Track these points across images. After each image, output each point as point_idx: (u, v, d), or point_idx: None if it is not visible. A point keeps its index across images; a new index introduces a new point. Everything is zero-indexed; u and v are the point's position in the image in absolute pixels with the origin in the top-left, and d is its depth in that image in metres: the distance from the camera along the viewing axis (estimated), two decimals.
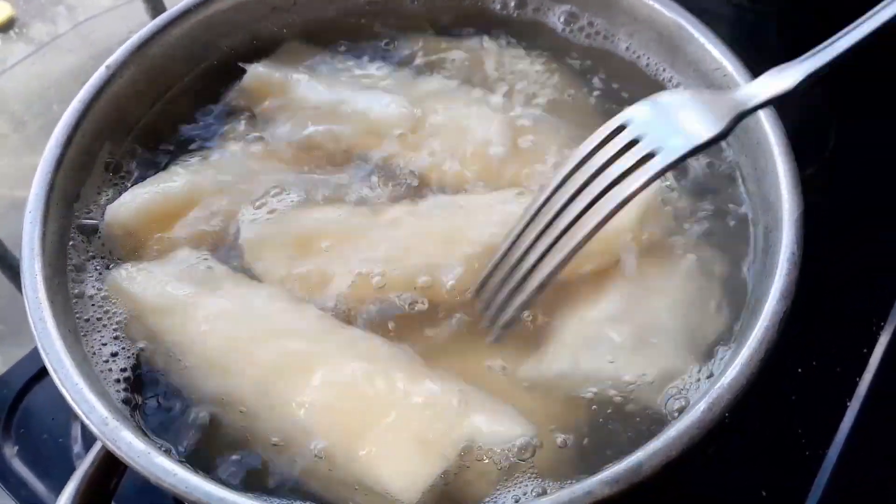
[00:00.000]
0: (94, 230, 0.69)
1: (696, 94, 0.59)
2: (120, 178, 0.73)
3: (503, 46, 0.82)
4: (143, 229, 0.69)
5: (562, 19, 0.82)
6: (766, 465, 0.74)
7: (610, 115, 0.59)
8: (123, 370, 0.62)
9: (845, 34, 0.56)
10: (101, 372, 0.61)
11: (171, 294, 0.64)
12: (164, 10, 0.82)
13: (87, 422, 0.54)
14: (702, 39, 0.72)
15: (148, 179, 0.72)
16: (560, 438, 0.59)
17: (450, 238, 0.67)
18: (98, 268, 0.67)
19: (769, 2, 1.06)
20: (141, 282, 0.65)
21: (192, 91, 0.79)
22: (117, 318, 0.64)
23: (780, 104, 0.66)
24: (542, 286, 0.60)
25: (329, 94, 0.77)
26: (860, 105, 0.95)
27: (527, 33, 0.83)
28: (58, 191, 0.66)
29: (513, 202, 0.68)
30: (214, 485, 0.52)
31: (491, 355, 0.63)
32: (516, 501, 0.55)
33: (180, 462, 0.54)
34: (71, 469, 0.59)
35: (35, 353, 0.84)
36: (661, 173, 0.56)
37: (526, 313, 0.63)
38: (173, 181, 0.71)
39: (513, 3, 0.84)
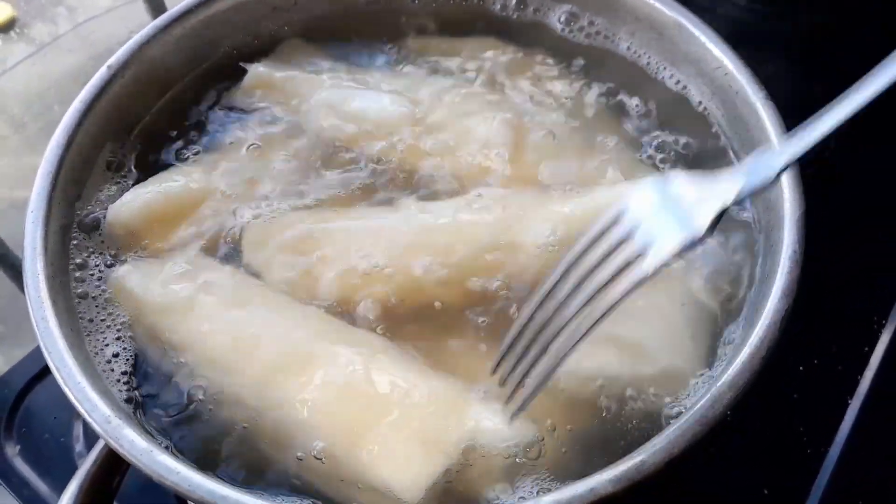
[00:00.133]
0: (96, 229, 0.69)
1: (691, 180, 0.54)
2: (122, 178, 0.72)
3: (503, 46, 0.82)
4: (145, 228, 0.69)
5: (562, 19, 0.82)
6: (767, 464, 0.74)
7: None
8: (125, 371, 0.62)
9: (829, 110, 0.52)
10: (104, 371, 0.61)
11: (172, 293, 0.64)
12: (164, 10, 0.82)
13: (89, 420, 0.54)
14: (702, 38, 0.72)
15: (150, 179, 0.72)
16: (562, 437, 0.59)
17: (451, 238, 0.67)
18: (100, 267, 0.67)
19: (769, 1, 1.06)
20: (142, 281, 0.65)
21: (193, 91, 0.79)
22: (121, 319, 0.64)
23: (781, 104, 0.66)
24: (538, 388, 0.55)
25: (329, 93, 0.77)
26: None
27: (527, 33, 0.83)
28: (59, 190, 0.66)
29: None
30: (217, 483, 0.52)
31: (492, 355, 0.63)
32: (519, 499, 0.55)
33: (182, 460, 0.54)
34: (73, 468, 0.59)
35: (36, 353, 0.84)
36: (648, 279, 0.52)
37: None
38: (175, 181, 0.71)
39: (513, 4, 0.84)
